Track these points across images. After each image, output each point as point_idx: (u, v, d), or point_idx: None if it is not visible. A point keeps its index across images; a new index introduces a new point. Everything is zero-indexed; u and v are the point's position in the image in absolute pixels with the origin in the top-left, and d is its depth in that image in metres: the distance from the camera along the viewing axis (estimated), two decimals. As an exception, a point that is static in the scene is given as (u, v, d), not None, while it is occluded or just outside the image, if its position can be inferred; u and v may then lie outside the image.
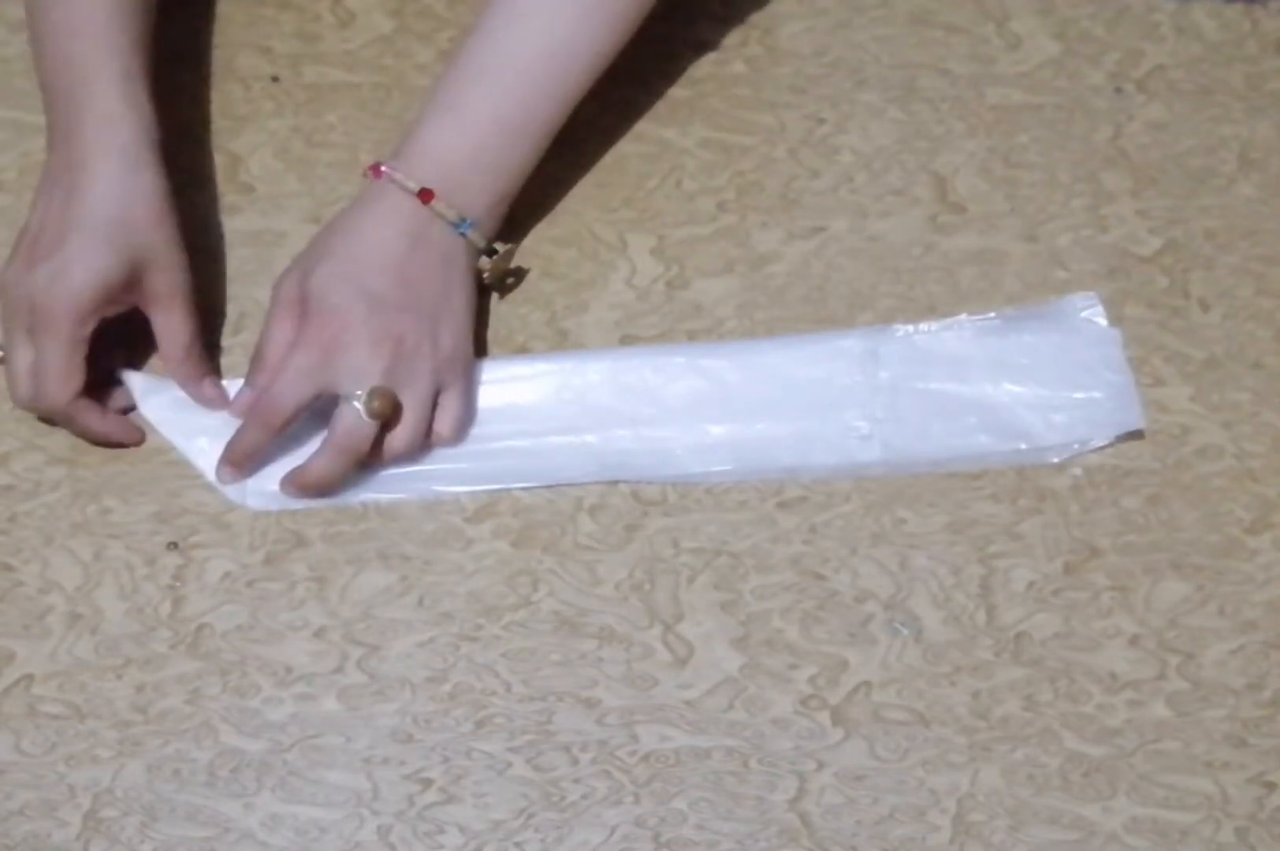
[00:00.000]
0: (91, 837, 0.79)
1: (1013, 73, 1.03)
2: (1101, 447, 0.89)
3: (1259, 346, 0.93)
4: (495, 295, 0.94)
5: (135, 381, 0.90)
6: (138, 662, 0.84)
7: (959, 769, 0.81)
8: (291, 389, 0.85)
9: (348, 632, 0.84)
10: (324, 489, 0.87)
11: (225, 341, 0.93)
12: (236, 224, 0.97)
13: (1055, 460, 0.89)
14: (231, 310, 0.94)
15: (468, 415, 0.89)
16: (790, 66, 1.03)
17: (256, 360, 0.88)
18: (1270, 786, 0.81)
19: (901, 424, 0.90)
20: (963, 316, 0.93)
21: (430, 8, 1.05)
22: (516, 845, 0.79)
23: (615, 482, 0.88)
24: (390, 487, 0.88)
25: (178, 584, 0.86)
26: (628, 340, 0.93)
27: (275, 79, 1.03)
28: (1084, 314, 0.93)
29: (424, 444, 0.88)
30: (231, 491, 0.88)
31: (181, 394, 0.90)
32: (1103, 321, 0.93)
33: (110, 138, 0.88)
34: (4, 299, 0.87)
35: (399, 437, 0.87)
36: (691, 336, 0.93)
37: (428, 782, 0.81)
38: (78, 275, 0.85)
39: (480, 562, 0.86)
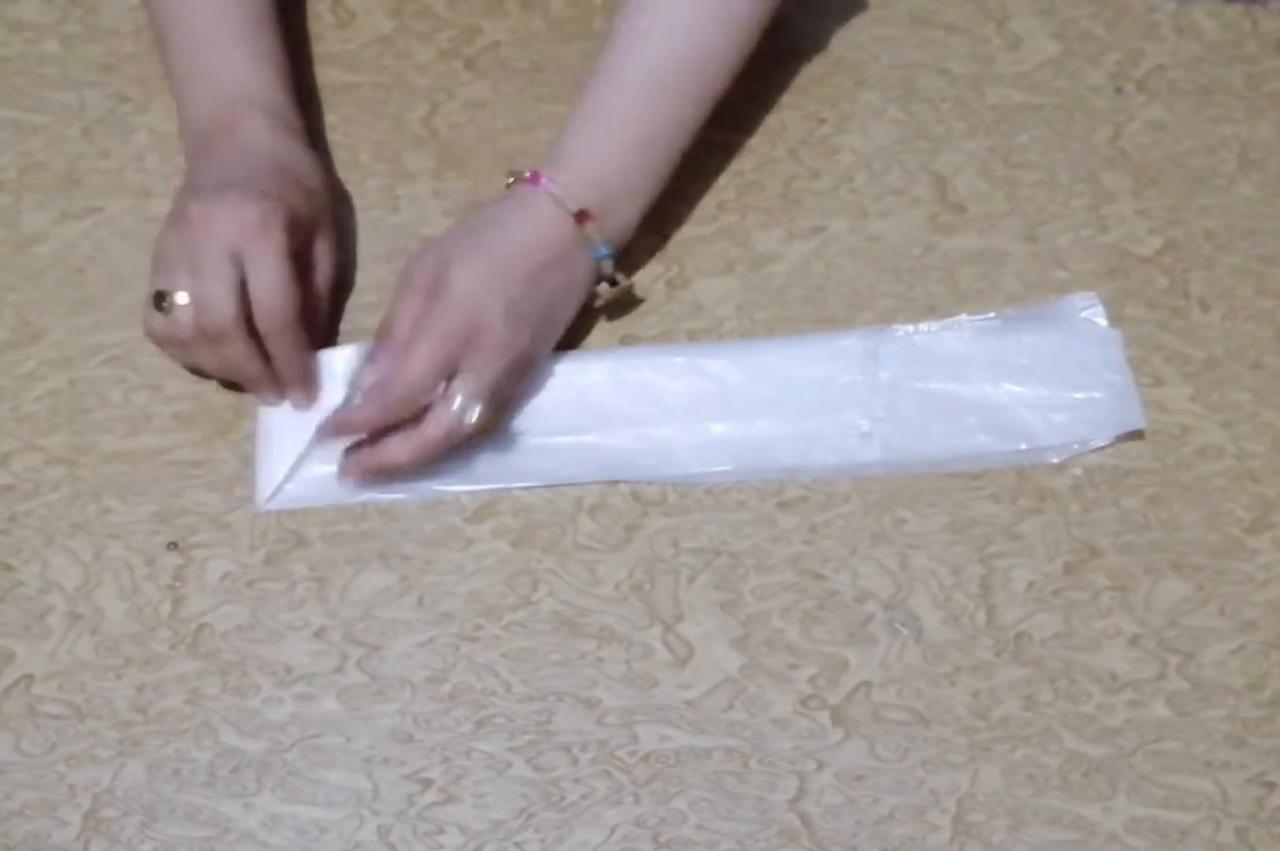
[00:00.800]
0: (91, 837, 0.79)
1: (1013, 73, 1.03)
2: (1101, 448, 0.89)
3: (1259, 346, 0.93)
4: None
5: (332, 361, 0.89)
6: (138, 662, 0.84)
7: (959, 769, 0.81)
8: (426, 378, 0.84)
9: (348, 632, 0.84)
10: (394, 474, 0.86)
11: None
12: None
13: (1055, 460, 0.89)
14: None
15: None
16: (790, 66, 1.03)
17: (383, 336, 0.86)
18: (1270, 786, 0.81)
19: (901, 424, 0.90)
20: (963, 316, 0.93)
21: (430, 8, 1.05)
22: (516, 845, 0.79)
23: (615, 482, 0.88)
24: (391, 487, 0.88)
25: (178, 584, 0.86)
26: (628, 340, 0.93)
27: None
28: (1084, 314, 0.93)
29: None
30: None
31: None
32: (1103, 321, 0.93)
33: (259, 114, 0.90)
34: (184, 230, 0.85)
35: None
36: (691, 336, 0.93)
37: (428, 782, 0.81)
38: (277, 195, 0.85)
39: (480, 562, 0.86)
